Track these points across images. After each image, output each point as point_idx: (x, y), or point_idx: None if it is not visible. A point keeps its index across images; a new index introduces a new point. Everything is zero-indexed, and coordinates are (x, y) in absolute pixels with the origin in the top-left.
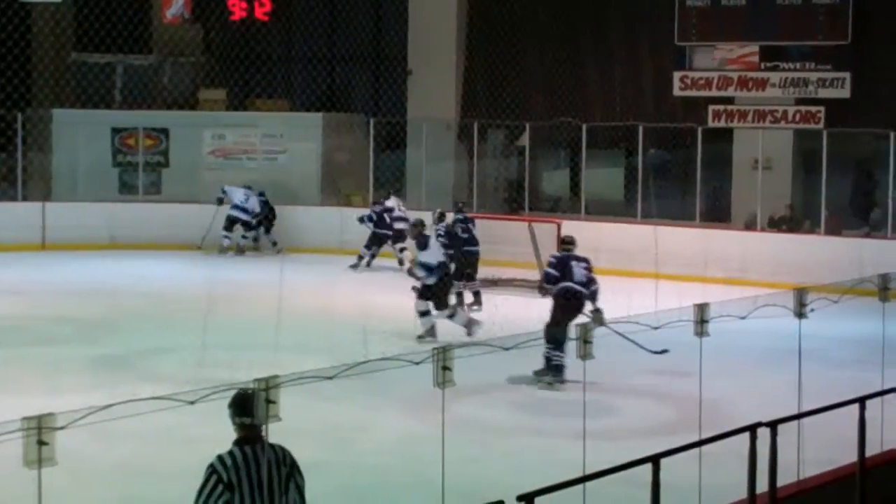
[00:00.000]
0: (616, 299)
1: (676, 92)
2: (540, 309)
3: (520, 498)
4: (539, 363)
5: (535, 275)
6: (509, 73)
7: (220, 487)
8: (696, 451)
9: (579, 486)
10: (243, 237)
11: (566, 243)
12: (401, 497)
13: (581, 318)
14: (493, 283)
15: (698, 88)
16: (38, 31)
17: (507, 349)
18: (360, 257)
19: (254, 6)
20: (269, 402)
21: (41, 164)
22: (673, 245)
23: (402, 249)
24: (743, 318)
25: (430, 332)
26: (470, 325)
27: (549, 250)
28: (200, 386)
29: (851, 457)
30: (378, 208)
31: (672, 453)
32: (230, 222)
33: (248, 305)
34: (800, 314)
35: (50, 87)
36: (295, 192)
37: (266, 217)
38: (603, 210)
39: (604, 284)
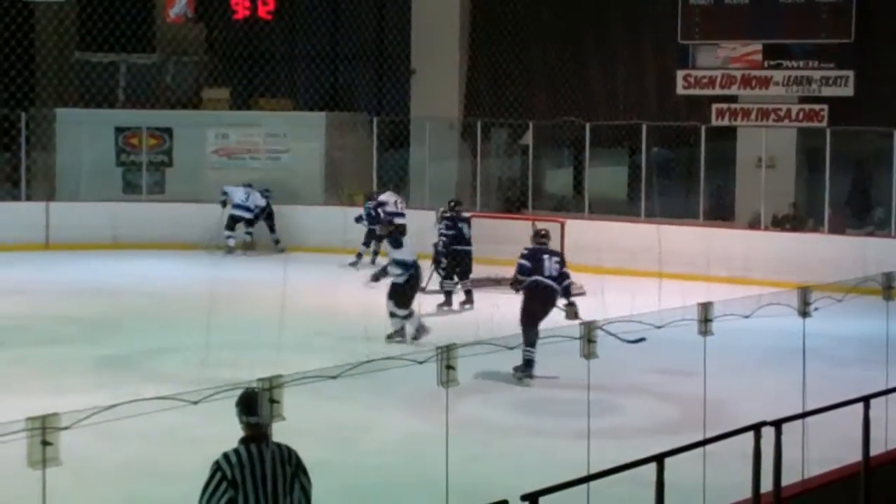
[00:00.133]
0: (619, 298)
1: (680, 90)
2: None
3: (523, 498)
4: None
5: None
6: (512, 72)
7: (225, 484)
8: (700, 450)
9: (583, 486)
10: (247, 233)
11: (540, 236)
12: (404, 497)
13: (554, 313)
14: (496, 282)
15: (701, 87)
16: (41, 30)
17: (510, 348)
18: (359, 255)
19: (257, 5)
20: (272, 401)
21: (45, 164)
22: (676, 244)
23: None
24: (747, 316)
25: (400, 332)
26: (420, 330)
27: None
28: (204, 386)
29: (856, 456)
30: (371, 204)
31: (676, 453)
32: (233, 221)
33: (251, 305)
34: (804, 313)
35: (53, 87)
36: (298, 192)
37: (268, 215)
38: (606, 209)
39: (608, 283)
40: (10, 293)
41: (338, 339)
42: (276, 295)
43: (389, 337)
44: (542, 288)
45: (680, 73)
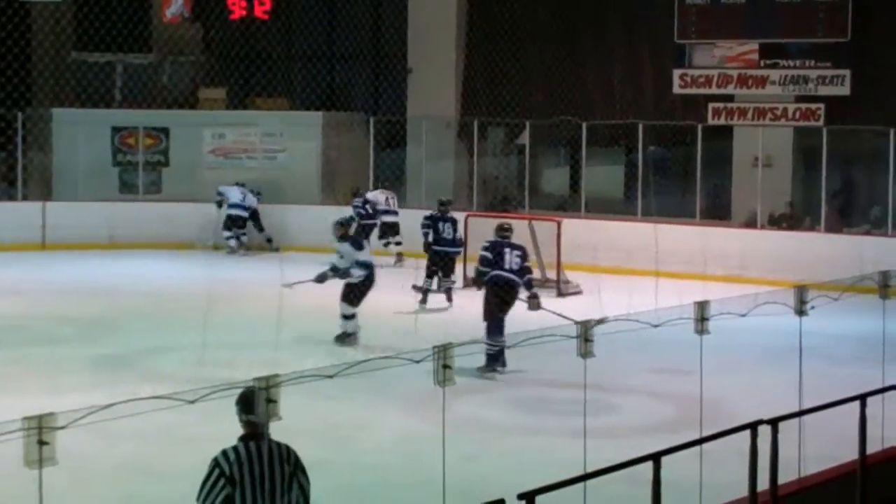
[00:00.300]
0: (616, 297)
1: (676, 90)
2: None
3: (520, 496)
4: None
5: (535, 273)
6: (509, 71)
7: (223, 481)
8: (696, 448)
9: (580, 485)
10: (242, 234)
11: (502, 230)
12: (401, 496)
13: (518, 305)
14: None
15: (698, 86)
16: (37, 29)
17: (507, 347)
18: None
19: (253, 5)
20: (269, 400)
21: (41, 164)
22: (673, 243)
23: (396, 244)
24: (743, 315)
25: (353, 336)
26: (352, 336)
27: (550, 249)
28: (201, 385)
29: (852, 454)
30: (359, 201)
31: (673, 451)
32: (231, 221)
33: (247, 304)
34: (800, 311)
35: (50, 87)
36: (295, 191)
37: (255, 215)
38: (603, 208)
39: (604, 282)
40: (7, 293)
41: (334, 338)
42: (273, 294)
43: (339, 338)
44: (502, 282)
45: (676, 73)
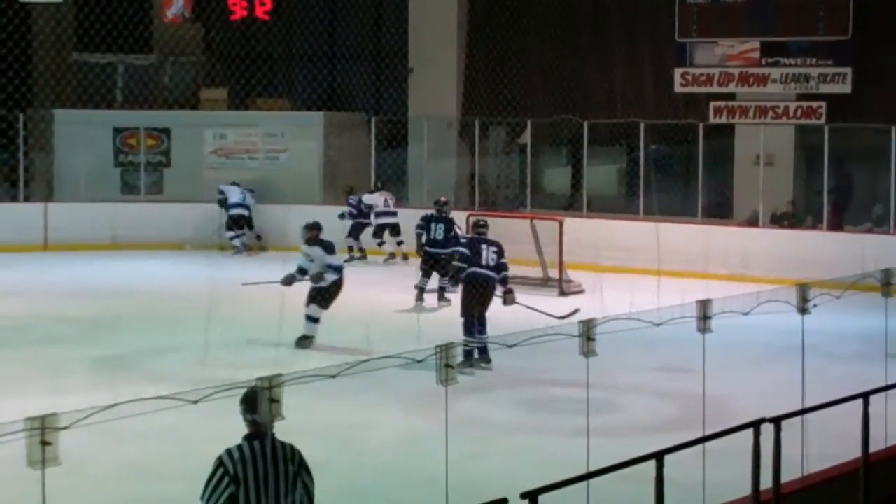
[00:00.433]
0: (618, 296)
1: (677, 88)
2: (543, 306)
3: (523, 496)
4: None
5: (536, 272)
6: (510, 71)
7: (227, 480)
8: (699, 447)
9: (582, 484)
10: (241, 234)
11: (479, 226)
12: (403, 495)
13: (495, 301)
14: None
15: (699, 85)
16: (38, 31)
17: (509, 346)
18: (350, 249)
19: (254, 5)
20: (272, 400)
21: (43, 165)
22: (675, 241)
23: (398, 243)
24: (745, 314)
25: (311, 339)
26: (310, 339)
27: (552, 248)
28: (203, 385)
29: (855, 452)
30: (353, 199)
31: (675, 450)
32: (234, 221)
33: (249, 304)
34: (802, 310)
35: (51, 88)
36: (296, 191)
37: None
38: (604, 207)
39: (606, 281)
40: (9, 294)
41: (337, 337)
42: (275, 294)
43: (299, 340)
44: (479, 279)
45: (678, 71)
